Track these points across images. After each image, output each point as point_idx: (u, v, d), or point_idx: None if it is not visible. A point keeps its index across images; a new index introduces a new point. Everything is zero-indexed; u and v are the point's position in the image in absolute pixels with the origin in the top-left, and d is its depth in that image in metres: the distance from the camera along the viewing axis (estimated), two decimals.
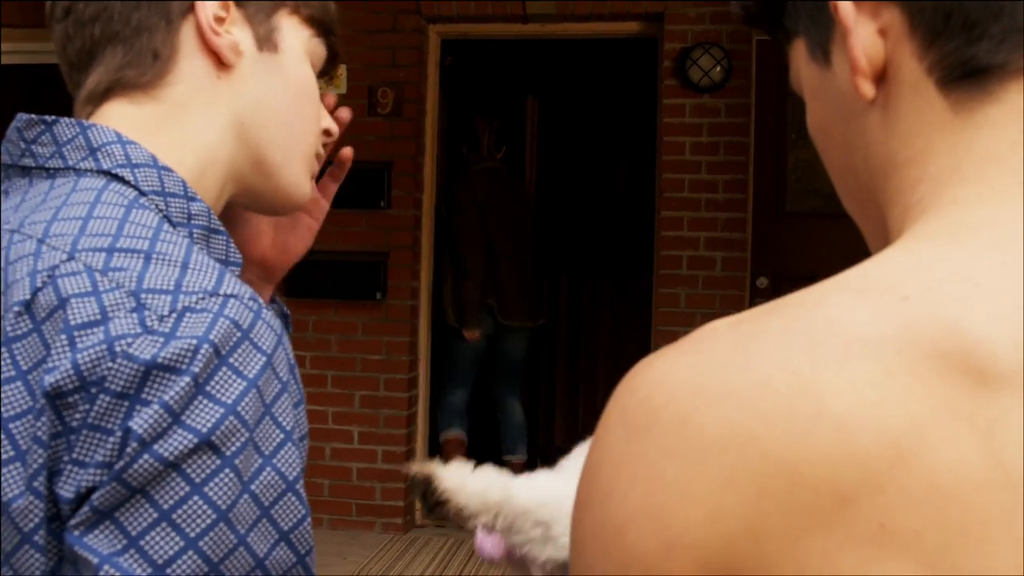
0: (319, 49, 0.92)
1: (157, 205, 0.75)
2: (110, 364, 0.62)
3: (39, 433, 0.63)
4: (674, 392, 0.48)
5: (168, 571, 0.61)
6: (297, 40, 0.89)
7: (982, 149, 0.53)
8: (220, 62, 0.83)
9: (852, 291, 0.49)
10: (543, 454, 5.61)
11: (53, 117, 0.78)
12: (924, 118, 0.55)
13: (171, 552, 0.61)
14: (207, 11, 0.82)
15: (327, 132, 0.96)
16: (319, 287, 4.46)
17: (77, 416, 0.62)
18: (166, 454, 0.61)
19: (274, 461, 0.65)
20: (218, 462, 0.62)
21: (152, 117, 0.81)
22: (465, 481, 1.00)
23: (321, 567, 3.48)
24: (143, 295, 0.65)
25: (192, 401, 0.62)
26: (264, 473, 0.65)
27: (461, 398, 5.06)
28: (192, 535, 0.61)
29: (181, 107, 0.82)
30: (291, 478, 0.66)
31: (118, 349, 0.63)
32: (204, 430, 0.62)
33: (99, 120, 0.80)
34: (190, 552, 0.61)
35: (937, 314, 0.46)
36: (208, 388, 0.63)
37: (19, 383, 0.64)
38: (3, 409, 0.64)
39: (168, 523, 0.61)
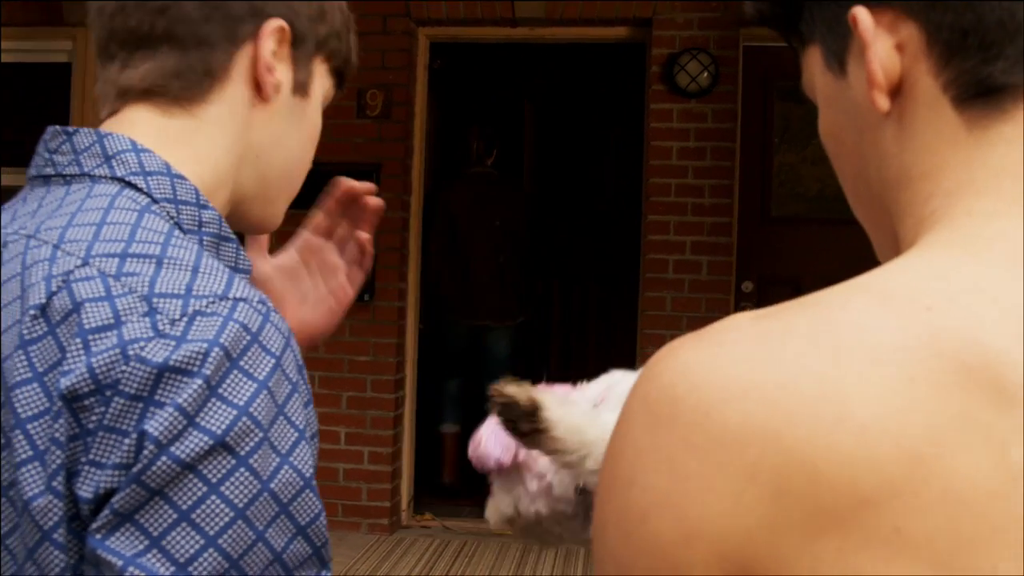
0: (330, 94, 0.95)
1: (168, 212, 0.77)
2: (124, 367, 0.64)
3: (57, 434, 0.64)
4: (696, 383, 0.49)
5: (190, 569, 0.62)
6: (321, 88, 0.92)
7: (996, 165, 0.54)
8: (259, 94, 0.85)
9: (876, 297, 0.50)
10: None
11: (74, 128, 0.79)
12: (939, 134, 0.56)
13: (192, 551, 0.62)
14: (268, 45, 0.83)
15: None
16: None
17: (93, 418, 0.64)
18: (182, 455, 0.63)
19: (291, 459, 0.67)
20: (233, 462, 0.64)
21: (180, 130, 0.82)
22: (565, 414, 0.96)
23: None
24: (155, 299, 0.67)
25: (206, 403, 0.64)
26: (282, 471, 0.66)
27: (454, 387, 5.22)
28: (211, 533, 0.63)
29: (213, 126, 0.83)
30: (307, 475, 0.68)
31: (131, 352, 0.64)
32: (219, 431, 0.64)
33: (124, 121, 0.82)
34: (210, 550, 0.63)
35: (959, 327, 0.47)
36: (220, 390, 0.65)
37: (35, 385, 0.66)
38: (21, 410, 0.65)
39: (188, 523, 0.63)
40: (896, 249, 0.60)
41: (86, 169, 0.77)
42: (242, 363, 0.66)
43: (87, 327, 0.66)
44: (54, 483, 0.64)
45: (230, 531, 0.63)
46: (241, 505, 0.64)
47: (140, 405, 0.63)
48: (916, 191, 0.57)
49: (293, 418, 0.68)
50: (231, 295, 0.69)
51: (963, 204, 0.55)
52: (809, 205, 4.59)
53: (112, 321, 0.66)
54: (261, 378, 0.67)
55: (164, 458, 0.62)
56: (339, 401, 4.58)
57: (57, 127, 0.80)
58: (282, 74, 0.86)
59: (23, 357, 0.67)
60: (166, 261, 0.70)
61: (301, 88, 0.88)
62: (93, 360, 0.64)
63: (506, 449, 1.04)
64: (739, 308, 4.40)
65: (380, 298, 4.57)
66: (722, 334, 0.51)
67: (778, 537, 0.46)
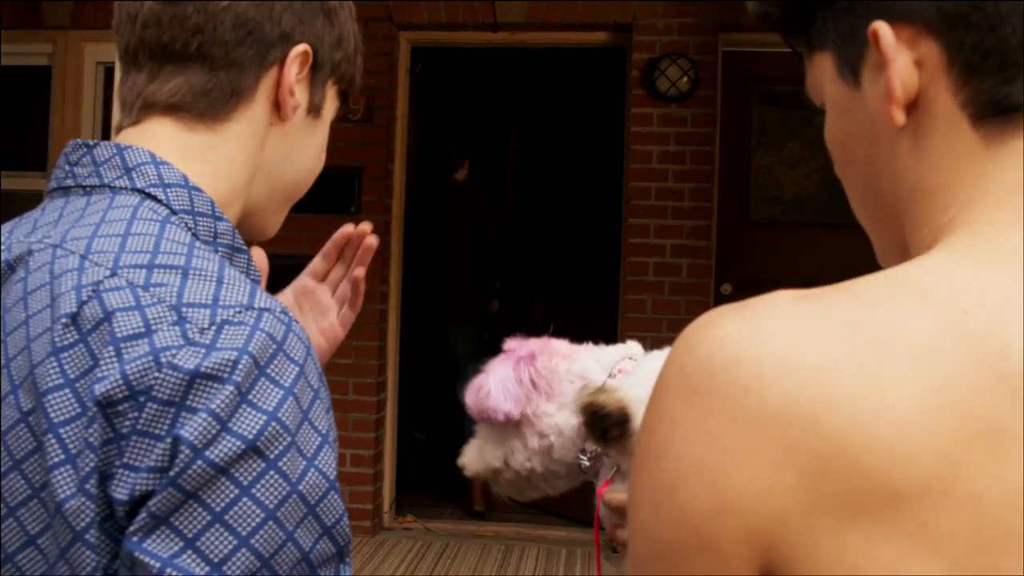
0: (337, 114, 0.98)
1: (186, 223, 0.79)
2: (156, 374, 0.66)
3: (90, 439, 0.66)
4: (735, 357, 0.50)
5: (224, 568, 0.65)
6: (331, 110, 0.95)
7: (1012, 178, 0.56)
8: (278, 114, 0.88)
9: (913, 294, 0.51)
10: None
11: (95, 141, 0.81)
12: (955, 148, 0.57)
13: (226, 551, 0.65)
14: (294, 70, 0.87)
15: None
16: None
17: (127, 423, 0.66)
18: (216, 459, 0.65)
19: (316, 462, 0.69)
20: (263, 465, 0.66)
21: (201, 146, 0.85)
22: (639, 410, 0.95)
23: None
24: (184, 309, 0.69)
25: (237, 409, 0.66)
26: (309, 474, 0.69)
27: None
28: (244, 533, 0.65)
29: (232, 143, 0.86)
30: (332, 477, 0.71)
31: (163, 360, 0.67)
32: (250, 436, 0.66)
33: (146, 133, 0.84)
34: (243, 550, 0.65)
35: (992, 334, 0.49)
36: (250, 397, 0.67)
37: (67, 390, 0.68)
38: (53, 415, 0.68)
39: (221, 524, 0.65)
40: (902, 254, 0.61)
41: (106, 180, 0.80)
42: (269, 371, 0.69)
43: (119, 335, 0.68)
44: (87, 485, 0.66)
45: (262, 531, 0.66)
46: (272, 506, 0.66)
47: (172, 410, 0.66)
48: (932, 202, 0.58)
49: (316, 423, 0.71)
50: (256, 305, 0.72)
51: (983, 213, 0.56)
52: (785, 208, 4.65)
53: (143, 330, 0.68)
54: (287, 385, 0.69)
55: (199, 462, 0.65)
56: None
57: (78, 140, 0.82)
58: (300, 96, 0.89)
59: (55, 364, 0.69)
60: (191, 272, 0.72)
61: (315, 109, 0.92)
62: (126, 367, 0.67)
63: (516, 402, 1.03)
64: None
65: (362, 301, 4.57)
66: (760, 311, 0.52)
67: (810, 520, 0.47)
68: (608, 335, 5.07)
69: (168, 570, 0.64)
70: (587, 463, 1.06)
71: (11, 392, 0.70)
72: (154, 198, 0.79)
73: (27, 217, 0.82)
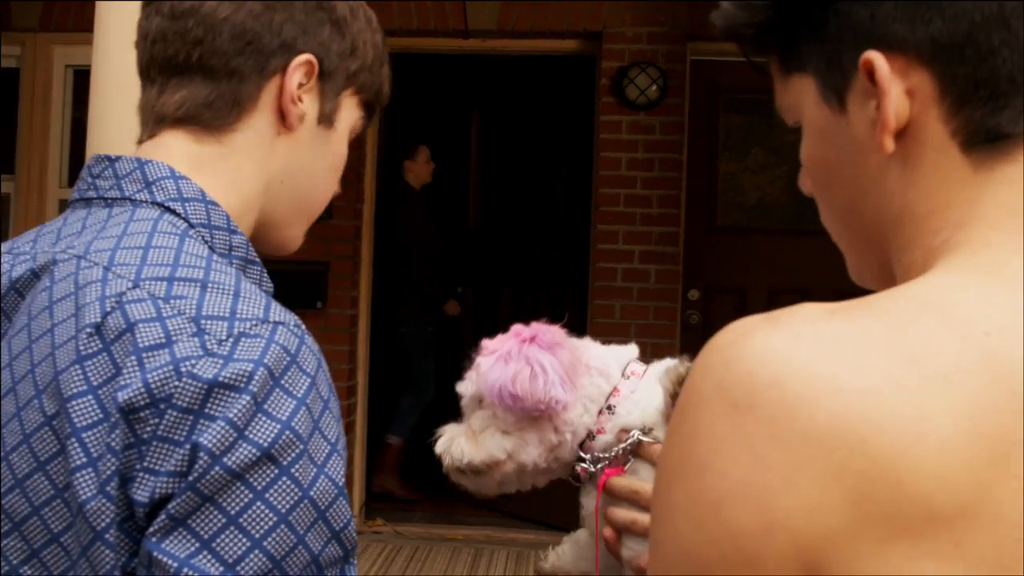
0: (359, 125, 0.99)
1: (203, 236, 0.82)
2: (177, 383, 0.70)
3: (112, 443, 0.69)
4: (776, 376, 0.50)
5: (238, 568, 0.68)
6: (348, 120, 0.96)
7: (1002, 201, 0.57)
8: (283, 123, 0.90)
9: (936, 314, 0.52)
10: None
11: (116, 155, 0.84)
12: (945, 175, 0.58)
13: (239, 552, 0.68)
14: (296, 78, 0.88)
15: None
16: None
17: (148, 429, 0.69)
18: (233, 465, 0.68)
19: (326, 469, 0.73)
20: (276, 471, 0.70)
21: (210, 157, 0.88)
22: None
23: None
24: (203, 321, 0.73)
25: (253, 418, 0.70)
26: (320, 481, 0.72)
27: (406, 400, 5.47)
28: (257, 536, 0.69)
29: (239, 153, 0.88)
30: (340, 484, 0.74)
31: (183, 369, 0.70)
32: (265, 443, 0.69)
33: (161, 146, 0.87)
34: (256, 551, 0.68)
35: (1011, 357, 0.50)
36: (265, 406, 0.70)
37: (90, 397, 0.71)
38: (77, 420, 0.71)
39: (236, 527, 0.68)
40: (883, 273, 0.63)
41: (127, 193, 0.83)
42: (283, 382, 0.72)
43: (141, 345, 0.71)
44: (107, 488, 0.69)
45: (274, 534, 0.69)
46: (284, 511, 0.69)
47: (191, 418, 0.69)
48: (924, 225, 0.59)
49: (327, 432, 0.74)
50: (271, 318, 0.75)
51: (979, 235, 0.57)
52: (749, 214, 4.71)
53: (164, 340, 0.71)
54: (300, 395, 0.72)
55: (217, 468, 0.68)
56: None
57: (100, 154, 0.85)
58: (308, 105, 0.91)
59: (79, 371, 0.72)
60: (210, 285, 0.76)
61: (327, 119, 0.93)
62: (148, 376, 0.70)
63: (569, 390, 0.98)
64: (686, 316, 4.50)
65: (332, 305, 4.59)
66: (796, 324, 0.52)
67: (855, 540, 0.48)
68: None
69: (185, 570, 0.67)
70: (593, 469, 1.02)
71: (35, 397, 0.73)
72: (173, 212, 0.82)
73: (49, 226, 0.85)
